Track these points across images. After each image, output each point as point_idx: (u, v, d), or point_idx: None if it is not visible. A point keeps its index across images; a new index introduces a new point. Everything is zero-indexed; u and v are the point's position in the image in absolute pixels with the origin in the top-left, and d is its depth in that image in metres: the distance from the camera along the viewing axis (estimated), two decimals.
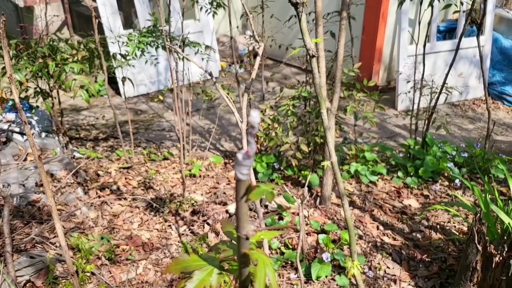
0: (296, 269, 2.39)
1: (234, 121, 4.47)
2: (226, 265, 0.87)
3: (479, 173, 3.20)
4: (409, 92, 3.90)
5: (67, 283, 2.19)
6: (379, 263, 2.47)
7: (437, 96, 3.21)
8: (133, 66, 3.34)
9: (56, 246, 2.42)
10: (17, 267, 2.14)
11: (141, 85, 5.19)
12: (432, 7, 3.07)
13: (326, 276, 2.34)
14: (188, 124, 3.69)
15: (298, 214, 2.34)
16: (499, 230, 2.34)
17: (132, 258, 2.48)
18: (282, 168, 3.30)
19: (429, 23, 3.57)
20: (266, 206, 2.95)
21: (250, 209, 2.83)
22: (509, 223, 2.15)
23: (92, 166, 3.41)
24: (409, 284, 2.34)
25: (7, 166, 2.93)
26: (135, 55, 2.98)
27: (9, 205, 1.91)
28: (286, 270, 2.41)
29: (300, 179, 3.29)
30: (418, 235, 2.72)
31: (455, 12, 3.26)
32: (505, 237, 2.09)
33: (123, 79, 3.22)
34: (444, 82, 3.15)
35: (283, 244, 2.58)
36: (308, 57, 1.64)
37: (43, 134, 3.52)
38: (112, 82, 4.85)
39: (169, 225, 2.79)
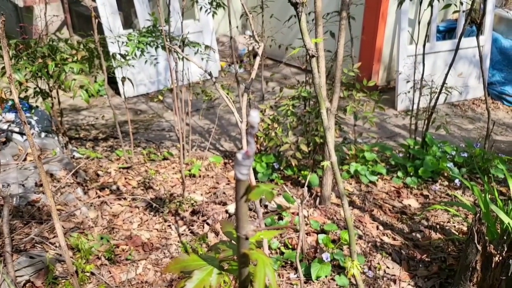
0: (295, 269, 2.39)
1: (234, 121, 4.47)
2: (226, 265, 0.87)
3: (478, 173, 3.20)
4: (409, 92, 3.90)
5: (67, 283, 2.19)
6: (378, 263, 2.47)
7: (436, 96, 3.21)
8: (133, 66, 3.34)
9: (56, 246, 2.42)
10: (16, 267, 2.14)
11: (141, 85, 5.19)
12: (432, 7, 3.07)
13: (326, 276, 2.34)
14: (188, 124, 3.69)
15: (297, 214, 2.34)
16: (498, 230, 2.35)
17: (132, 258, 2.48)
18: (281, 168, 3.31)
19: (429, 23, 3.57)
20: (265, 206, 2.95)
21: (250, 209, 2.83)
22: (508, 223, 2.15)
23: (92, 166, 3.40)
24: (409, 284, 2.34)
25: (7, 166, 2.92)
26: (135, 55, 2.98)
27: (8, 205, 1.91)
28: (286, 270, 2.41)
29: (299, 179, 3.29)
30: (418, 235, 2.72)
31: (454, 12, 3.26)
32: (505, 237, 2.09)
33: (123, 79, 3.22)
34: (444, 82, 3.16)
35: (282, 244, 2.58)
36: (308, 57, 1.64)
37: (43, 134, 3.52)
38: (112, 82, 4.85)
39: (169, 225, 2.79)
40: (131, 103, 5.00)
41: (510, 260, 1.89)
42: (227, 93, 2.99)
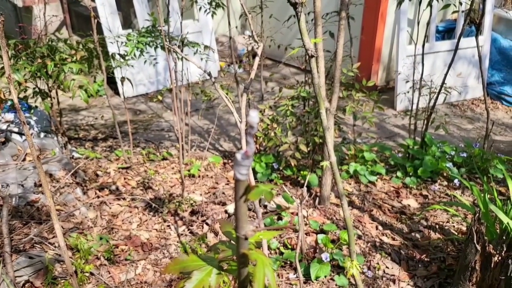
0: (295, 269, 2.39)
1: (233, 121, 4.47)
2: (225, 265, 0.87)
3: (478, 173, 3.21)
4: (408, 92, 3.90)
5: (66, 283, 2.19)
6: (378, 263, 2.47)
7: (436, 96, 3.22)
8: (132, 66, 3.34)
9: (55, 246, 2.42)
10: (16, 267, 2.14)
11: (140, 85, 5.19)
12: (431, 7, 3.07)
13: (325, 276, 2.34)
14: (187, 124, 3.69)
15: (297, 214, 2.34)
16: (498, 230, 2.35)
17: (131, 258, 2.48)
18: (281, 168, 3.31)
19: (428, 23, 3.57)
20: (265, 206, 2.95)
21: (249, 209, 2.82)
22: (508, 223, 2.15)
23: (91, 166, 3.40)
24: (408, 284, 2.35)
25: (6, 166, 2.92)
26: (134, 55, 2.98)
27: (8, 205, 1.90)
28: (285, 270, 2.41)
29: (299, 179, 3.29)
30: (417, 235, 2.72)
31: (454, 12, 3.26)
32: (504, 237, 2.10)
33: (122, 79, 3.22)
34: (443, 82, 3.16)
35: (282, 244, 2.58)
36: (307, 57, 1.64)
37: (42, 134, 3.52)
38: (111, 82, 4.84)
39: (168, 225, 2.79)
40: (130, 103, 5.00)
41: (509, 260, 1.90)
42: (227, 93, 2.99)
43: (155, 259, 2.50)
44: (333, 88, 2.57)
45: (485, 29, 4.80)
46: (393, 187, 3.27)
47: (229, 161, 3.64)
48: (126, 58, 3.11)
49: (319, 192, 2.97)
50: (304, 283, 2.32)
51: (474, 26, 3.04)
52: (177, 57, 3.07)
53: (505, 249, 1.93)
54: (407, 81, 4.31)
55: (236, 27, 6.40)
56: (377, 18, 4.72)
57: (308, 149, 3.13)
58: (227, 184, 3.27)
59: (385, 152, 3.51)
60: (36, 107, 3.47)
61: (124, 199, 3.01)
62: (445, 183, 3.32)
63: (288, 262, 2.45)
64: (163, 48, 2.99)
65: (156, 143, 3.99)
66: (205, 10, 3.66)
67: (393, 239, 2.69)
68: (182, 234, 2.71)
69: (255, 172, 3.25)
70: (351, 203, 3.05)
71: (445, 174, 3.39)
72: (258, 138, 3.24)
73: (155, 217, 2.85)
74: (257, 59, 1.68)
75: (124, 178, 3.28)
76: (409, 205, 3.05)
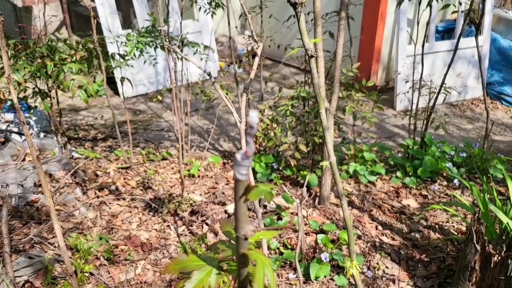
0: (295, 269, 2.39)
1: (233, 121, 4.47)
2: (225, 265, 0.87)
3: (477, 173, 3.21)
4: (408, 92, 3.91)
5: (66, 284, 2.19)
6: (378, 263, 2.47)
7: (435, 96, 3.22)
8: (132, 66, 3.34)
9: (55, 247, 2.42)
10: (15, 267, 2.14)
11: (140, 85, 5.19)
12: (431, 7, 3.07)
13: (325, 276, 2.34)
14: (187, 124, 3.69)
15: (297, 214, 2.34)
16: (497, 230, 2.35)
17: (131, 258, 2.48)
18: (281, 168, 3.31)
19: (428, 23, 3.57)
20: (265, 206, 2.95)
21: (249, 209, 2.82)
22: (507, 223, 2.15)
23: (91, 166, 3.40)
24: (408, 284, 2.35)
25: (6, 166, 2.92)
26: (134, 55, 2.98)
27: (7, 206, 1.90)
28: (285, 270, 2.41)
29: (299, 179, 3.29)
30: (417, 235, 2.72)
31: (453, 12, 3.26)
32: (504, 237, 2.10)
33: (122, 79, 3.21)
34: (443, 82, 3.16)
35: (282, 244, 2.58)
36: (307, 57, 1.64)
37: (42, 134, 3.52)
38: (111, 82, 4.84)
39: (168, 225, 2.79)
40: (130, 103, 5.00)
41: (509, 260, 1.90)
42: (226, 93, 2.99)
43: (155, 259, 2.50)
44: (333, 88, 2.57)
45: (484, 29, 4.80)
46: (392, 187, 3.27)
47: (229, 161, 3.64)
48: (126, 58, 3.11)
49: (319, 192, 2.97)
50: (304, 283, 2.32)
51: (473, 26, 3.04)
52: (177, 57, 3.07)
53: (504, 249, 1.93)
54: (406, 81, 4.31)
55: (236, 27, 6.40)
56: (376, 18, 4.73)
57: (308, 149, 3.13)
58: (227, 184, 3.27)
59: (384, 152, 3.51)
60: (36, 107, 3.47)
61: (123, 199, 3.01)
62: (445, 183, 3.32)
63: (288, 262, 2.45)
64: (162, 48, 2.99)
65: (156, 143, 3.99)
66: (205, 10, 3.66)
67: (393, 239, 2.69)
68: (181, 234, 2.71)
69: (254, 172, 3.25)
70: (350, 203, 3.05)
71: (444, 174, 3.39)
72: (258, 138, 3.24)
73: (154, 217, 2.85)
74: (256, 59, 1.68)
75: (124, 178, 3.28)
76: (408, 205, 3.05)
